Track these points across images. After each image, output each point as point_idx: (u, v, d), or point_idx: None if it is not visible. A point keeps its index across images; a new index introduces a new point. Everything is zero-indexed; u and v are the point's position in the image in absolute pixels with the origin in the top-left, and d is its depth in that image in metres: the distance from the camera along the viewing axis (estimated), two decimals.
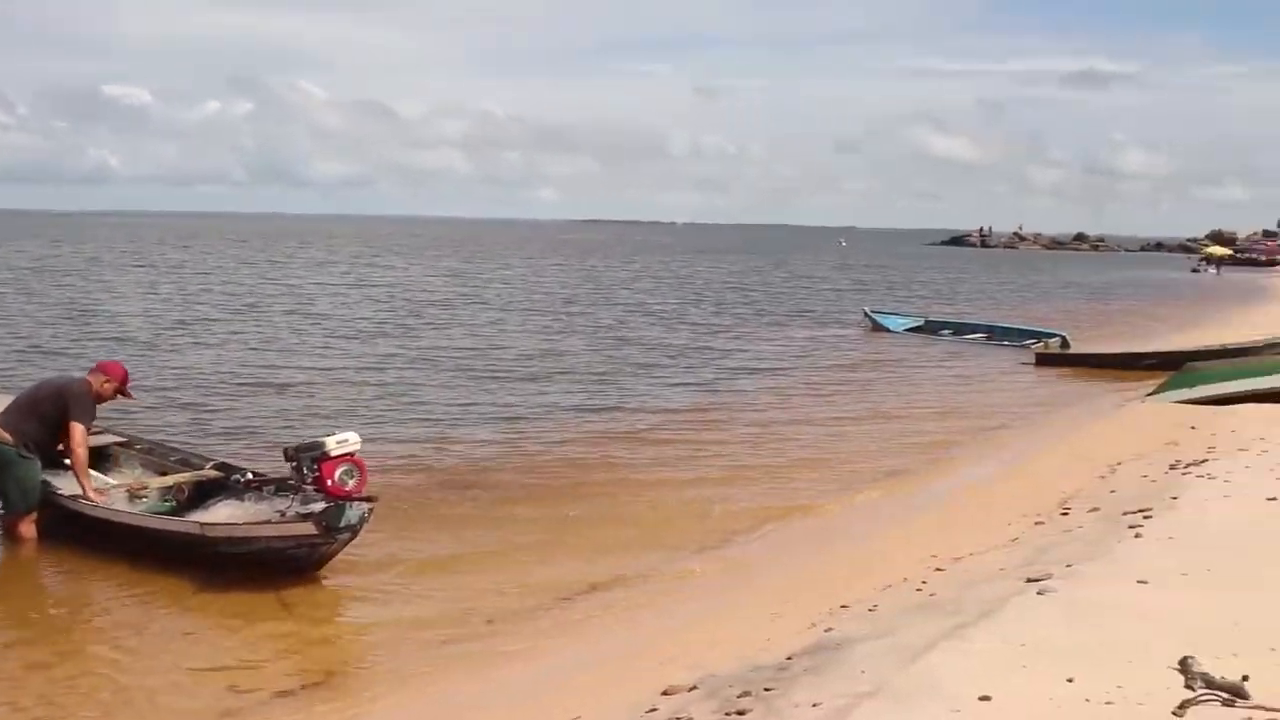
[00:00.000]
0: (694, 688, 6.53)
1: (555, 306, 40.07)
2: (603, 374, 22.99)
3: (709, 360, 25.89)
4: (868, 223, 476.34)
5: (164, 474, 11.58)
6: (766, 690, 6.07)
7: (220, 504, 10.86)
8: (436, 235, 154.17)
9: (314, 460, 9.86)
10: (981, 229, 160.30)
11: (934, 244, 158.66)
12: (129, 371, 11.76)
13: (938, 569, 8.87)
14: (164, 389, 19.19)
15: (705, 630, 8.25)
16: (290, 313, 34.54)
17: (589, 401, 19.42)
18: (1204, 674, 5.42)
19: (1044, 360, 26.70)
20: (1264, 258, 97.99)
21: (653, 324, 34.61)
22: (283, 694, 7.74)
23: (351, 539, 9.77)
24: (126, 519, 10.44)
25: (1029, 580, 7.58)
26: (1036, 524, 10.18)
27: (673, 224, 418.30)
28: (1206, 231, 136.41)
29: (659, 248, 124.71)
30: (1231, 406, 16.06)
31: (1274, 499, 9.94)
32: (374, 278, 54.54)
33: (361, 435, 10.24)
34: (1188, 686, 5.37)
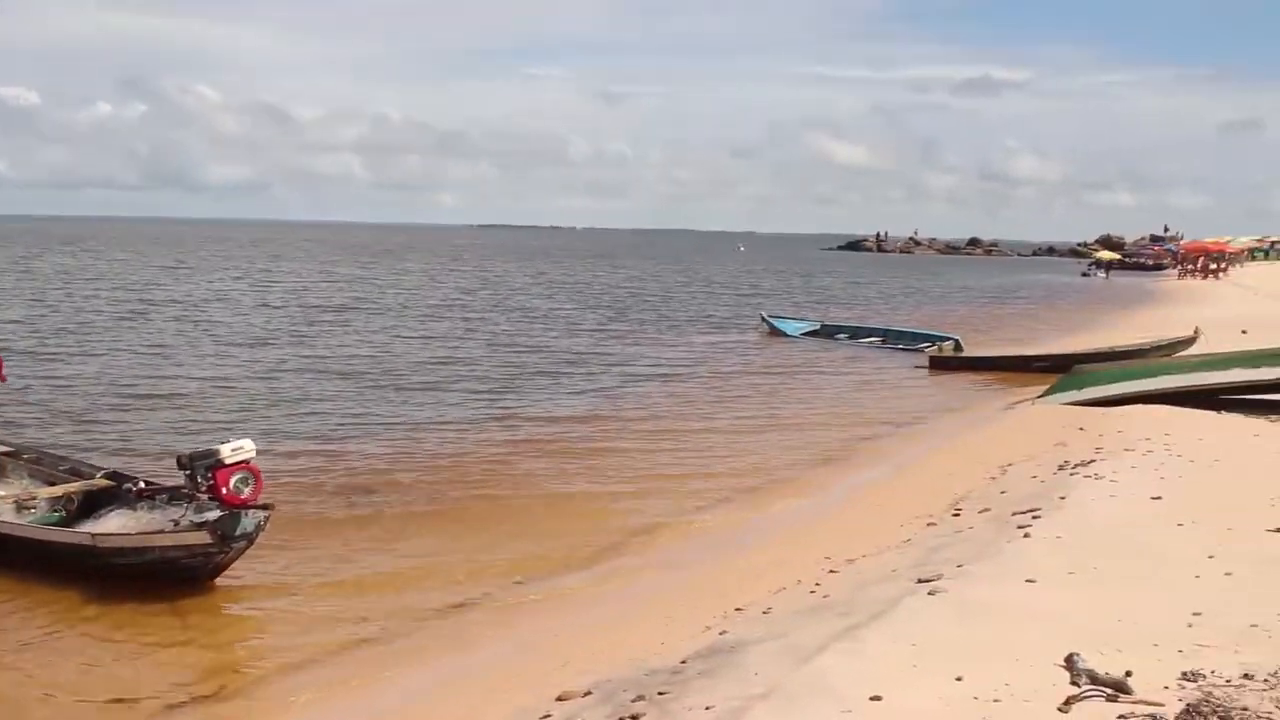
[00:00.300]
0: (589, 693, 6.52)
1: (453, 313, 39.77)
2: (501, 381, 22.84)
3: (608, 366, 25.83)
4: (766, 228, 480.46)
5: (52, 484, 11.33)
6: (660, 694, 6.08)
7: (112, 514, 10.60)
8: (334, 240, 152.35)
9: (208, 468, 9.67)
10: (878, 234, 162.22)
11: (831, 249, 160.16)
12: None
13: (832, 571, 8.94)
14: (48, 400, 18.74)
15: (601, 635, 8.24)
16: (181, 320, 33.89)
17: (487, 409, 19.28)
18: (1089, 670, 5.52)
19: (937, 363, 27.04)
20: (1151, 262, 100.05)
21: (552, 330, 34.49)
22: (172, 707, 7.61)
23: (247, 548, 9.63)
24: (13, 530, 10.19)
25: (920, 581, 7.67)
26: (929, 525, 10.30)
27: (572, 229, 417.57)
28: (1096, 236, 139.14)
29: (558, 252, 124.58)
30: (1118, 408, 16.37)
31: (1158, 498, 10.16)
32: (268, 284, 53.70)
33: (255, 443, 10.08)
34: (1073, 683, 5.47)
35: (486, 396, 20.68)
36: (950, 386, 24.07)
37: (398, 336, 31.12)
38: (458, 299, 47.22)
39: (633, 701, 6.08)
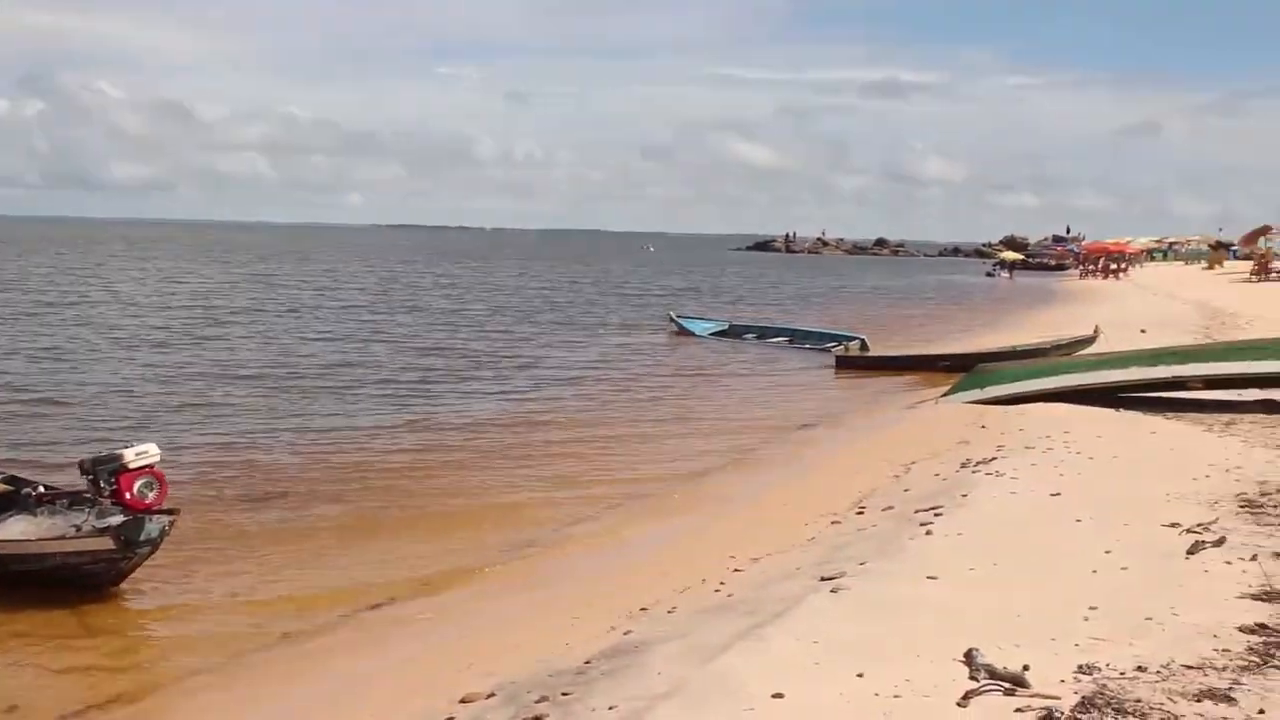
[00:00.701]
0: (492, 694, 6.49)
1: (360, 315, 39.40)
2: (409, 384, 22.66)
3: (518, 369, 25.77)
4: (676, 228, 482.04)
5: None
6: (564, 695, 6.06)
7: (10, 519, 10.34)
8: (240, 240, 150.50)
9: (112, 473, 9.52)
10: (787, 235, 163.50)
11: (740, 249, 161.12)
12: None
13: (736, 570, 8.97)
14: None
15: (505, 636, 8.20)
16: (79, 322, 33.29)
17: (395, 413, 19.10)
18: (987, 665, 5.59)
19: (844, 363, 27.27)
20: (1054, 262, 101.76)
21: (460, 331, 34.33)
22: (69, 716, 7.46)
23: (151, 553, 9.50)
24: None
25: (824, 579, 7.72)
26: (833, 523, 10.37)
27: (482, 229, 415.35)
28: (1001, 237, 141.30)
29: (468, 253, 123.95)
30: (1020, 406, 16.60)
31: (1057, 495, 10.31)
32: (171, 285, 52.86)
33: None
34: (972, 678, 5.54)
35: (394, 400, 20.52)
36: (856, 386, 24.31)
37: (303, 339, 30.76)
38: (365, 301, 46.79)
39: (536, 703, 6.05)
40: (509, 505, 12.96)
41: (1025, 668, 5.54)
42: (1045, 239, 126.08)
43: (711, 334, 34.60)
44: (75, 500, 10.18)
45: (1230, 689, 5.38)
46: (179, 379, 22.31)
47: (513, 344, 31.18)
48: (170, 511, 9.61)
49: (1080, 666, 5.71)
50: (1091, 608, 6.77)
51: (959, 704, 5.27)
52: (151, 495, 9.55)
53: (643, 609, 8.08)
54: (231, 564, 10.61)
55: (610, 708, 5.61)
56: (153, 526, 9.36)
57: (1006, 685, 5.41)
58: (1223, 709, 5.13)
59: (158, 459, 9.70)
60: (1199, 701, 5.22)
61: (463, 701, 6.49)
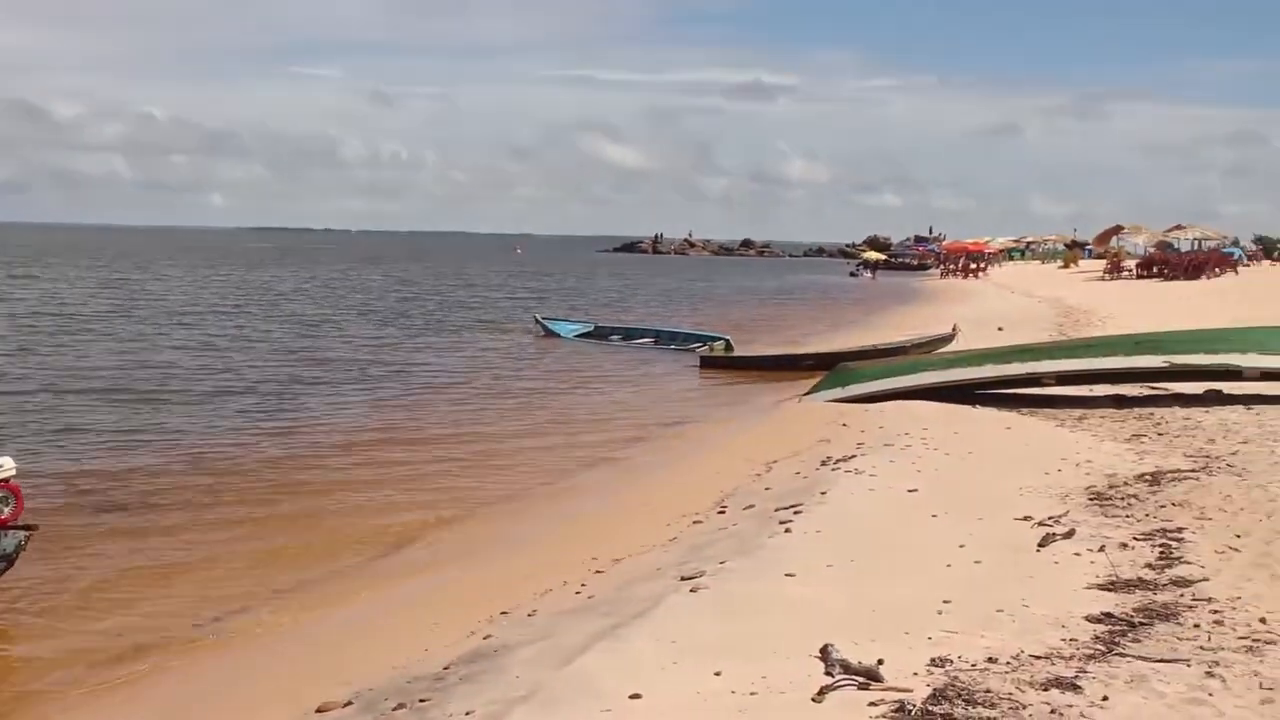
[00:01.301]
0: (349, 703, 6.41)
1: (220, 319, 38.50)
2: (270, 391, 22.10)
3: (382, 374, 25.34)
4: (543, 229, 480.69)
5: None
6: (422, 701, 6.01)
7: None
8: (96, 243, 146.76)
9: None
10: (654, 236, 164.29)
11: (607, 250, 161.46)
12: None
13: (598, 571, 8.96)
14: None
15: (363, 644, 8.09)
16: None
17: (256, 420, 18.67)
18: (842, 660, 5.64)
19: (708, 363, 27.44)
20: (916, 262, 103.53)
21: (324, 337, 33.72)
22: None
23: (7, 569, 9.23)
24: None
25: (683, 578, 7.75)
26: (695, 523, 10.41)
27: (347, 231, 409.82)
28: (865, 237, 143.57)
29: (333, 255, 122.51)
30: (880, 404, 16.85)
31: (914, 491, 10.49)
32: (17, 291, 51.13)
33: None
34: (827, 673, 5.58)
35: (255, 408, 20.04)
36: (720, 386, 24.48)
37: (162, 345, 29.89)
38: (225, 304, 45.76)
39: (394, 710, 5.99)
40: (371, 511, 12.76)
41: (880, 662, 5.61)
42: (908, 239, 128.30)
43: (577, 336, 34.60)
44: None
45: (1076, 677, 5.50)
46: (29, 388, 21.60)
47: (379, 348, 30.69)
48: (27, 527, 9.32)
49: (933, 659, 5.80)
50: (945, 601, 6.89)
51: (814, 699, 5.31)
52: (7, 511, 9.25)
53: (503, 613, 8.02)
54: (83, 578, 10.28)
55: (467, 713, 5.56)
56: (8, 542, 9.11)
57: (861, 680, 5.47)
58: (1069, 697, 5.24)
59: (13, 472, 9.39)
60: (1046, 690, 5.33)
61: (319, 711, 6.40)
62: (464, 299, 54.46)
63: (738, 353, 29.38)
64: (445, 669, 6.61)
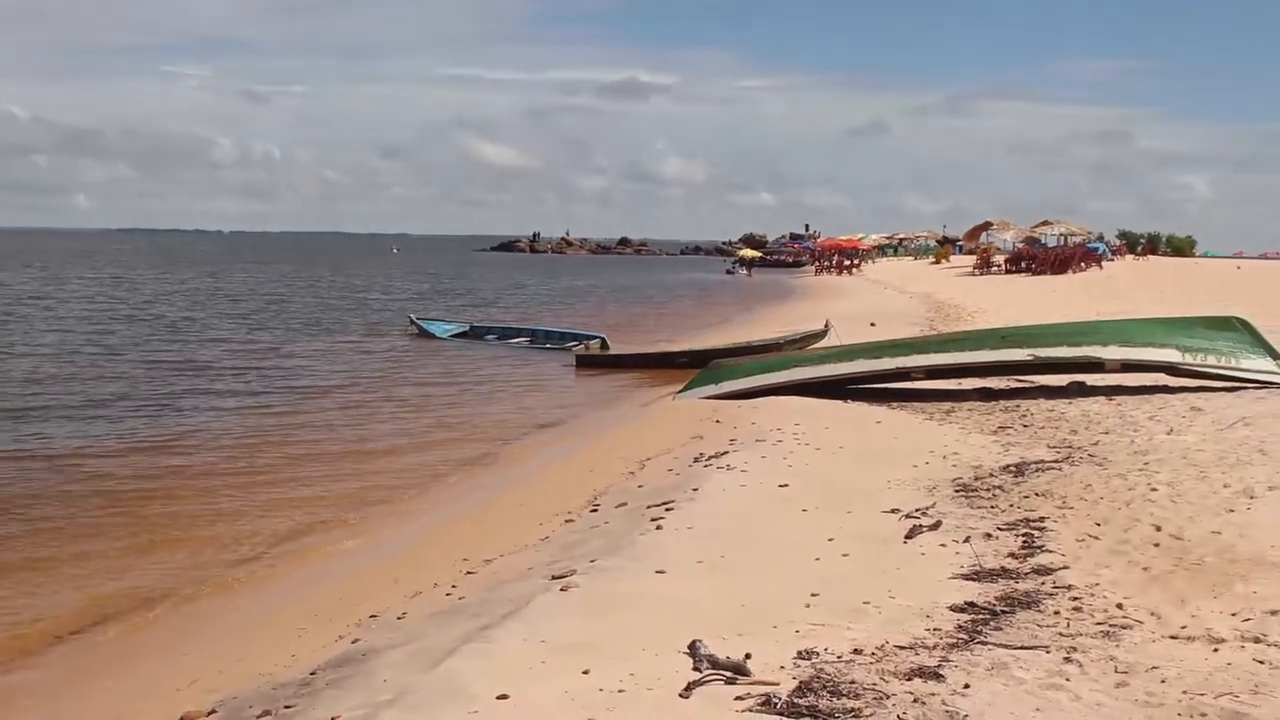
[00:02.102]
0: (213, 711, 6.30)
1: (84, 325, 37.21)
2: (139, 399, 21.50)
3: (255, 379, 24.76)
4: (419, 229, 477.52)
5: None
6: (287, 708, 5.91)
7: None
8: None
9: None
10: (532, 235, 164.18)
11: (485, 250, 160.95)
12: None
13: (469, 572, 8.89)
14: None
15: (228, 652, 7.96)
16: None
17: (118, 427, 18.21)
18: (709, 655, 5.67)
19: (584, 362, 27.46)
20: (791, 259, 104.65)
21: (192, 342, 32.81)
22: None
23: None
24: None
25: (554, 577, 7.71)
26: (567, 522, 10.38)
27: (219, 232, 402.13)
28: (740, 235, 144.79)
29: (203, 257, 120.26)
30: (753, 400, 16.98)
31: (785, 486, 10.59)
32: None
33: None
34: (695, 669, 5.60)
35: (121, 416, 19.47)
36: (596, 384, 24.48)
37: (17, 354, 28.74)
38: (90, 309, 44.46)
39: (259, 717, 5.89)
40: (237, 518, 12.52)
41: (747, 656, 5.65)
42: (783, 236, 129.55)
43: (452, 335, 34.43)
44: None
45: (939, 666, 5.60)
46: None
47: (251, 353, 30.00)
48: None
49: (800, 652, 5.85)
50: (813, 595, 6.97)
51: (681, 695, 5.33)
52: None
53: (372, 616, 7.93)
54: None
55: (333, 718, 5.49)
56: None
57: (728, 674, 5.50)
58: (931, 686, 5.33)
59: None
60: (909, 680, 5.41)
61: (183, 719, 6.27)
62: (338, 299, 53.83)
63: (613, 350, 29.42)
64: (312, 674, 6.52)
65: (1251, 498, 8.98)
